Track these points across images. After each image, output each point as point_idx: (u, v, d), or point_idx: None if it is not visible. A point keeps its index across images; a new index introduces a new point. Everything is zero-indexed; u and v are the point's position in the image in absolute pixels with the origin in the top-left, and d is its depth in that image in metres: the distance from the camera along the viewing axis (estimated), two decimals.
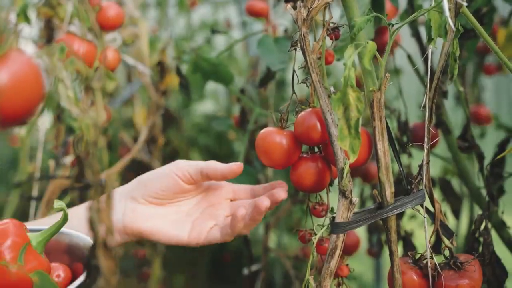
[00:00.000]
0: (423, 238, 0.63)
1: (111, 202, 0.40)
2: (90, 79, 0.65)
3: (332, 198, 0.67)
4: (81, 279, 0.48)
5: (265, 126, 1.16)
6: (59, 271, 0.54)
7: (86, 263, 0.51)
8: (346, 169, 0.57)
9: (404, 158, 0.96)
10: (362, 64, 0.56)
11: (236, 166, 0.68)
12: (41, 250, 0.52)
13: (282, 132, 0.65)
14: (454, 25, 0.54)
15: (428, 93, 0.61)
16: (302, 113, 0.64)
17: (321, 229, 0.63)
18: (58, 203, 0.48)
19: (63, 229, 0.53)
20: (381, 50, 1.06)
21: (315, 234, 0.63)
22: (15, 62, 0.36)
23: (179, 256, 1.80)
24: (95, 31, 0.87)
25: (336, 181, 0.75)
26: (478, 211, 0.86)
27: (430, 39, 0.51)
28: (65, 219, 0.50)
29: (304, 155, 0.66)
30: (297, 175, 0.65)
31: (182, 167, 0.68)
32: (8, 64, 0.35)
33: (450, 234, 0.65)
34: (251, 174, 0.91)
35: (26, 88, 0.36)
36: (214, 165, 0.67)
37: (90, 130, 0.40)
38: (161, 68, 1.08)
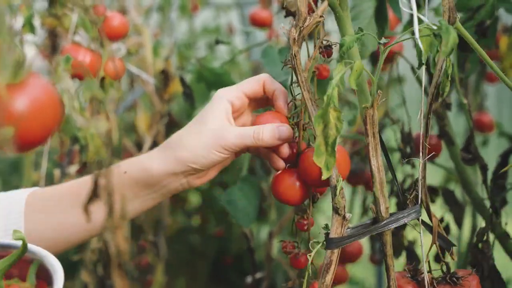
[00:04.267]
0: (426, 247, 0.63)
1: (125, 220, 0.41)
2: (104, 103, 0.65)
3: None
4: None
5: None
6: None
7: (51, 283, 0.49)
8: (339, 186, 0.58)
9: (408, 168, 0.96)
10: (350, 83, 0.55)
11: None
12: None
13: None
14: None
15: (423, 108, 0.60)
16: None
17: (317, 245, 0.63)
18: (17, 234, 0.46)
19: (29, 247, 0.51)
20: (385, 59, 1.05)
21: (310, 250, 0.63)
22: (33, 88, 0.36)
23: (180, 259, 1.81)
24: (100, 41, 0.87)
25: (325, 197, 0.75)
26: (480, 219, 0.86)
27: (420, 64, 0.51)
28: (24, 249, 0.48)
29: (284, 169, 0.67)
30: (274, 187, 0.67)
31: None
32: (26, 90, 0.36)
33: (449, 247, 0.65)
34: (254, 183, 0.91)
35: (45, 114, 0.36)
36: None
37: (103, 154, 0.41)
38: (164, 77, 1.08)
